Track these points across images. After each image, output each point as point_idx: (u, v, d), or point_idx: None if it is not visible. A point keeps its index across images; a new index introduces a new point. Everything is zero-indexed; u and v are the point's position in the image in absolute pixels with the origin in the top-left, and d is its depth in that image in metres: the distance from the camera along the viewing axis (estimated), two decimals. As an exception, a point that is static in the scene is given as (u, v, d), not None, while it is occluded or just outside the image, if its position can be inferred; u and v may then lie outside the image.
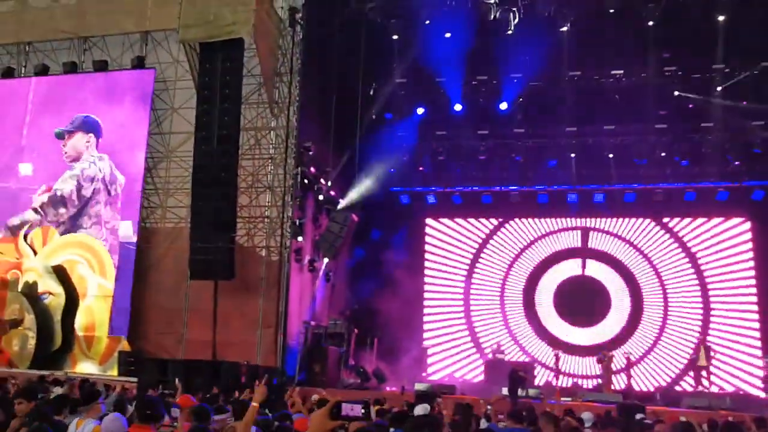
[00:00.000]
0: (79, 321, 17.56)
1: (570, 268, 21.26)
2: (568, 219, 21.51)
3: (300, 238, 18.08)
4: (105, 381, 12.77)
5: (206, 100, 16.94)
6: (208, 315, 16.46)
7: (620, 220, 21.33)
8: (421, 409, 8.40)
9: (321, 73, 18.92)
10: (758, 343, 19.40)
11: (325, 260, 19.04)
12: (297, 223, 17.85)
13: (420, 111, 21.06)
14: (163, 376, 14.20)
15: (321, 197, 19.20)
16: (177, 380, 11.12)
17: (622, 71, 19.49)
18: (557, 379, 18.69)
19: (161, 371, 14.75)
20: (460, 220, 22.67)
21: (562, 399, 16.24)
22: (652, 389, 17.54)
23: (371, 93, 21.16)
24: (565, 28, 18.05)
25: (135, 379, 14.53)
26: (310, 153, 18.40)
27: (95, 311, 17.54)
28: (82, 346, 17.35)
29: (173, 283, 17.49)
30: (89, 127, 18.98)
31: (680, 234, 20.71)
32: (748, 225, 20.59)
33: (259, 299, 16.88)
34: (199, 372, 14.74)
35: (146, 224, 18.49)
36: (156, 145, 18.96)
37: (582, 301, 20.80)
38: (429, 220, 23.11)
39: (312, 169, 18.93)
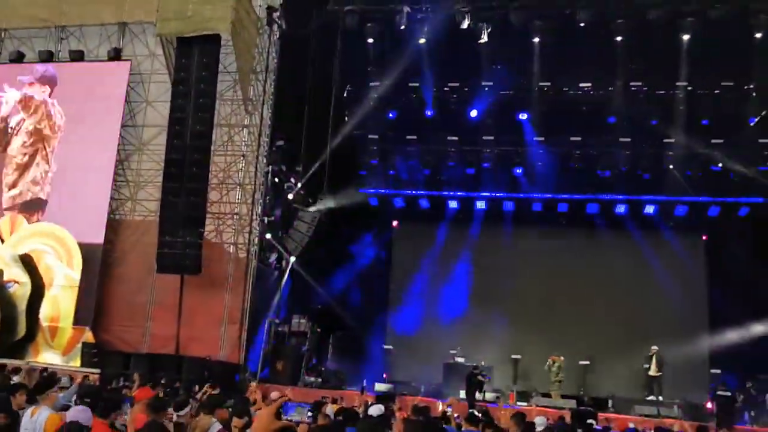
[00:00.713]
0: (44, 311, 17.52)
1: (533, 276, 21.69)
2: (533, 227, 21.89)
3: (268, 236, 18.26)
4: (69, 372, 12.84)
5: (181, 95, 17.05)
6: (173, 309, 16.54)
7: (583, 230, 21.75)
8: (375, 410, 8.73)
9: (296, 72, 19.08)
10: (707, 354, 20.12)
11: (292, 258, 19.21)
12: (266, 220, 18.03)
13: (392, 114, 21.30)
14: (125, 369, 14.30)
15: (291, 196, 19.36)
16: (135, 374, 11.25)
17: (590, 84, 19.93)
18: (514, 383, 19.15)
19: (124, 364, 14.84)
20: (426, 224, 22.91)
21: (518, 403, 16.68)
22: (605, 395, 17.98)
23: (345, 95, 21.40)
24: (536, 40, 18.45)
25: (98, 371, 14.61)
26: (282, 151, 18.58)
27: (61, 301, 17.52)
28: (46, 336, 17.32)
29: (139, 276, 17.56)
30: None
31: (639, 246, 21.19)
32: (703, 240, 21.29)
33: (224, 295, 17.02)
34: (162, 366, 14.85)
35: (115, 216, 18.50)
36: (129, 138, 18.99)
37: (543, 308, 21.25)
38: (396, 223, 23.38)
39: (283, 168, 19.10)
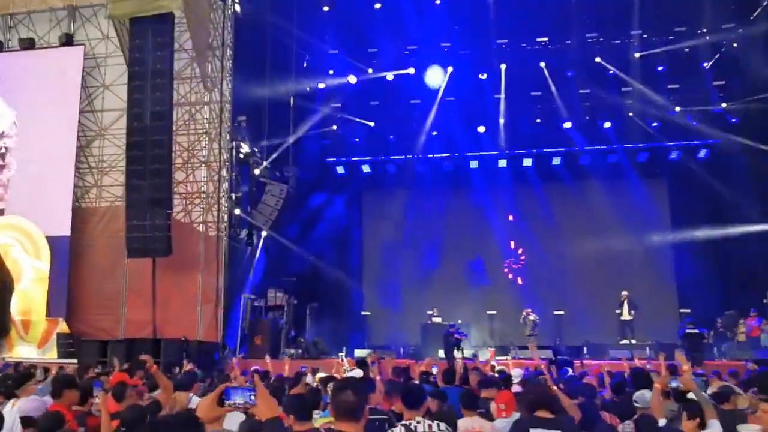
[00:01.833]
0: (15, 305, 17.31)
1: (502, 232, 22.00)
2: (499, 184, 22.07)
3: (237, 212, 18.25)
4: (43, 364, 12.79)
5: (138, 77, 16.77)
6: (147, 293, 16.49)
7: (549, 183, 21.99)
8: (355, 374, 8.92)
9: (254, 45, 18.92)
10: (676, 295, 20.70)
11: (263, 233, 19.24)
12: (233, 197, 18.01)
13: (353, 80, 21.24)
14: (102, 356, 14.28)
15: (257, 171, 19.31)
16: (115, 360, 11.26)
17: (546, 39, 20.07)
18: (491, 338, 19.52)
19: (101, 352, 14.82)
20: (395, 189, 22.98)
21: (496, 358, 17.01)
22: (580, 343, 18.42)
23: (305, 64, 21.29)
24: (491, -2, 18.54)
25: (74, 361, 14.59)
26: (245, 126, 18.51)
27: (31, 294, 17.36)
28: (19, 330, 17.16)
29: (110, 262, 17.42)
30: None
31: (605, 195, 21.51)
32: (665, 184, 21.73)
33: (198, 275, 17.00)
34: (140, 350, 14.84)
35: (81, 204, 18.32)
36: (89, 124, 18.73)
37: (513, 265, 21.62)
38: (365, 190, 23.45)
39: (247, 142, 19.02)
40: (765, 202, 18.57)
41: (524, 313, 18.44)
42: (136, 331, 16.35)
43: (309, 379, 9.95)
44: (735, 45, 18.98)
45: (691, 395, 6.15)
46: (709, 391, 7.93)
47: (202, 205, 17.81)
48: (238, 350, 16.69)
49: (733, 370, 11.43)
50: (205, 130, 18.16)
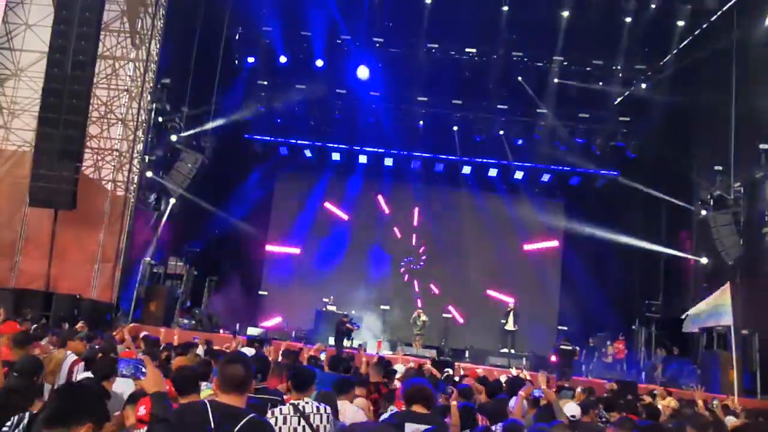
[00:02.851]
0: None
1: (407, 232, 22.68)
2: (410, 184, 22.76)
3: (149, 174, 18.10)
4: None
5: (64, 21, 16.27)
6: (44, 245, 16.16)
7: (457, 189, 22.84)
8: (247, 352, 9.27)
9: (188, 10, 18.72)
10: (557, 313, 21.95)
11: (172, 200, 19.12)
12: (146, 159, 17.85)
13: (283, 60, 21.33)
14: (-9, 304, 13.97)
15: (174, 137, 19.16)
16: (1, 309, 11.09)
17: (474, 50, 20.78)
18: (382, 332, 20.16)
19: (-12, 299, 14.47)
20: (309, 174, 23.27)
21: (383, 351, 17.64)
22: (463, 347, 19.31)
23: (236, 37, 21.24)
24: (428, 1, 19.02)
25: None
26: (168, 89, 18.35)
27: None
28: None
29: (10, 208, 16.91)
30: None
31: (507, 209, 22.52)
32: (563, 206, 22.93)
33: (99, 233, 16.79)
34: (30, 302, 14.62)
35: (-15, 144, 17.73)
36: (5, 62, 18.09)
37: (414, 263, 22.32)
38: (280, 171, 23.57)
39: (167, 106, 18.85)
40: (648, 236, 19.93)
41: (416, 313, 19.12)
42: (29, 281, 16.02)
43: (200, 350, 10.20)
44: (643, 86, 20.27)
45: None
46: (576, 403, 8.80)
47: (113, 163, 17.59)
48: (132, 314, 16.63)
49: (592, 388, 12.47)
50: (126, 88, 17.91)
